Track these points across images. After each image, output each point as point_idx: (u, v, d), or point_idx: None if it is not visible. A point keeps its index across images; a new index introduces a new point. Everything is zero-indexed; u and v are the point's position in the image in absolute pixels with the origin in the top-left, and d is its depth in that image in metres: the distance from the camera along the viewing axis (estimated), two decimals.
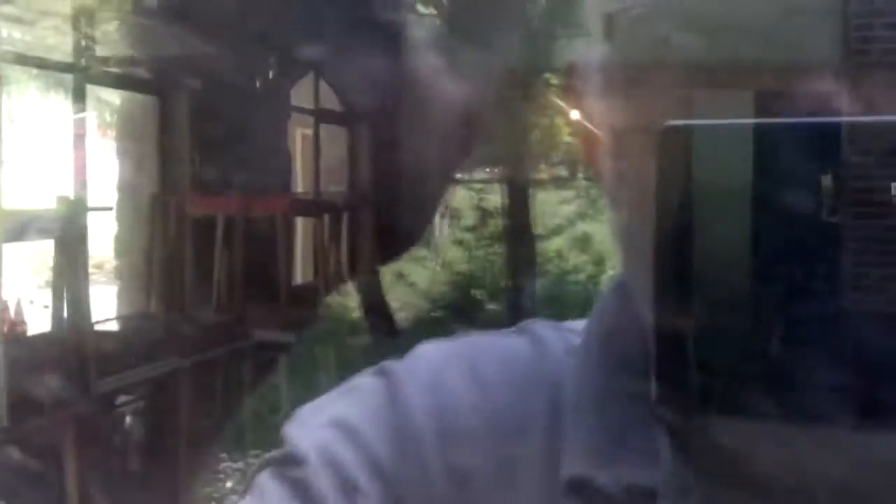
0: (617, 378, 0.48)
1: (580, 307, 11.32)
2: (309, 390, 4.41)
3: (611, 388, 0.48)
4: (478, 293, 12.18)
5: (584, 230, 12.53)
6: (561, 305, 11.92)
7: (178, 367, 5.59)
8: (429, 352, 0.56)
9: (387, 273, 10.54)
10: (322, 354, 7.32)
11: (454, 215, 12.05)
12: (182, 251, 5.70)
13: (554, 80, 10.51)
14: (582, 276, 11.90)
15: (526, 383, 0.52)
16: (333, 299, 10.66)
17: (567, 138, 13.39)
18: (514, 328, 0.57)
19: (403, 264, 11.63)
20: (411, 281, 11.41)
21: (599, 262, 11.81)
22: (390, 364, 0.55)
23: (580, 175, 15.05)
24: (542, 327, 0.56)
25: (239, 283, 6.33)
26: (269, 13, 6.93)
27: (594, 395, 0.49)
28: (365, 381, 0.55)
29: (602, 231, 12.17)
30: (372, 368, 0.56)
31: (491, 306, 12.18)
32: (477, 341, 0.58)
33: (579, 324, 0.55)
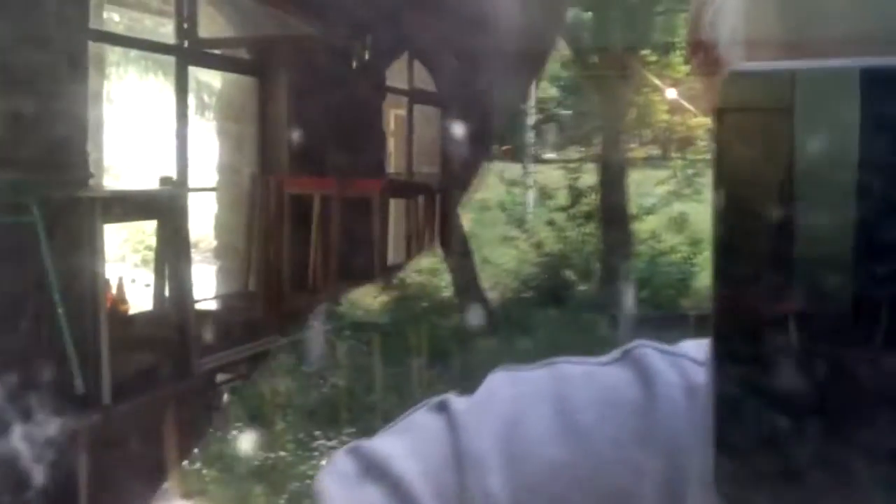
0: None
1: (676, 289, 11.13)
2: (401, 370, 4.38)
3: None
4: (570, 274, 12.04)
5: (680, 210, 12.29)
6: (656, 287, 11.73)
7: (276, 346, 5.64)
8: (505, 385, 0.44)
9: (478, 253, 10.52)
10: (414, 334, 7.33)
11: (546, 194, 11.94)
12: (280, 231, 5.73)
13: (651, 58, 10.31)
14: (677, 258, 11.66)
15: (634, 438, 0.40)
16: (426, 279, 10.69)
17: (664, 116, 13.16)
18: (616, 355, 0.44)
19: (495, 245, 11.59)
20: (501, 262, 11.36)
21: (695, 244, 11.55)
22: (457, 401, 0.43)
23: (674, 154, 14.79)
24: (652, 356, 0.43)
25: (334, 262, 6.36)
26: None
27: None
28: (425, 423, 0.43)
29: (698, 211, 11.91)
30: (436, 401, 0.44)
31: (582, 287, 12.05)
32: (568, 373, 0.44)
33: (699, 348, 0.43)
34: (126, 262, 10.77)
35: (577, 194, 11.68)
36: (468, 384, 0.47)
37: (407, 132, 9.55)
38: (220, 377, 5.64)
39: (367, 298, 8.97)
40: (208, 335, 5.29)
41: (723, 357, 0.30)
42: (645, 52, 10.12)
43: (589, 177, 11.61)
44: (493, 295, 10.59)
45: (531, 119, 13.67)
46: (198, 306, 5.65)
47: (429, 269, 10.33)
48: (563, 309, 10.89)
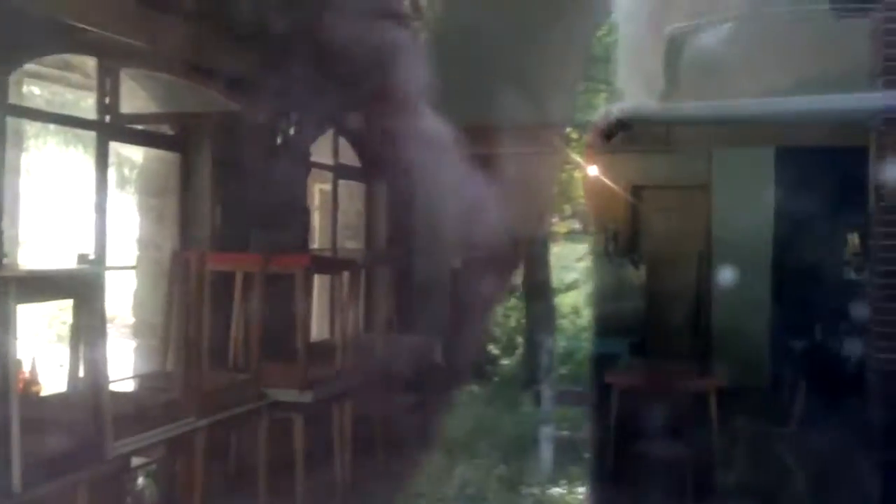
0: None
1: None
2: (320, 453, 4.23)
3: None
4: (493, 348, 12.06)
5: None
6: (578, 362, 11.80)
7: (194, 428, 5.47)
8: None
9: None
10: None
11: None
12: (200, 309, 5.61)
13: (573, 135, 10.54)
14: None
15: None
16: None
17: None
18: None
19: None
20: None
21: None
22: None
23: (593, 229, 15.05)
24: None
25: (256, 341, 6.24)
26: (291, 71, 6.93)
27: None
28: None
29: None
30: None
31: (505, 361, 12.07)
32: None
33: None
34: (41, 338, 10.44)
35: None
36: None
37: (332, 207, 9.53)
38: (135, 461, 5.44)
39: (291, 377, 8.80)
40: (124, 417, 5.12)
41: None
42: (567, 129, 10.34)
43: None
44: None
45: None
46: (113, 387, 5.48)
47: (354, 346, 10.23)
48: (485, 384, 10.87)
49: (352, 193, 10.14)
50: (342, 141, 9.52)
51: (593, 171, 10.49)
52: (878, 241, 7.00)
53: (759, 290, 10.06)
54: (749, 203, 10.13)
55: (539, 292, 11.18)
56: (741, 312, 9.98)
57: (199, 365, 5.52)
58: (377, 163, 9.62)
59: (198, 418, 5.45)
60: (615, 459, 6.72)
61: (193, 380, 5.46)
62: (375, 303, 8.82)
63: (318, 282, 8.57)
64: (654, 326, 10.10)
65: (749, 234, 10.05)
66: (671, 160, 11.45)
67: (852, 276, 7.45)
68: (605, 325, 10.22)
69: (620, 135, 8.48)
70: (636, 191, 11.88)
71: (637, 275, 10.75)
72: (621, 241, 11.34)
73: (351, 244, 10.06)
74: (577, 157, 10.36)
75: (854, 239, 7.30)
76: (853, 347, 9.37)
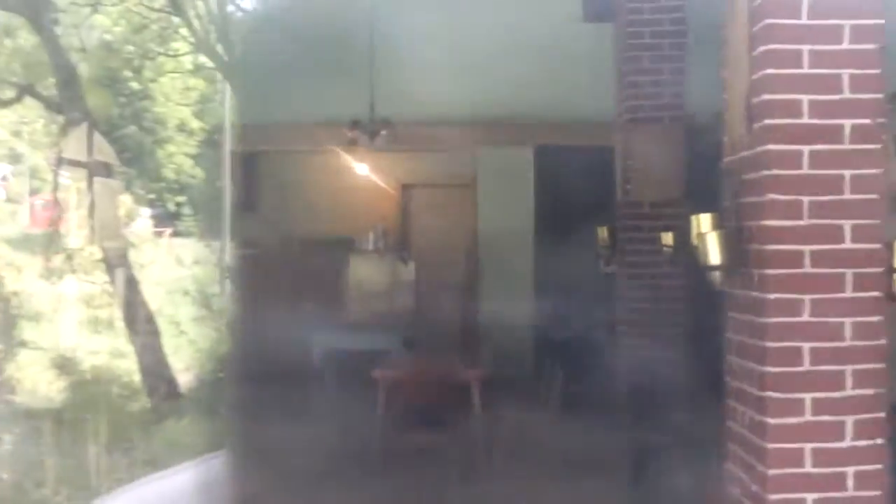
0: None
1: None
2: (76, 460, 4.06)
3: None
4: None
5: None
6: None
7: None
8: None
9: (167, 333, 10.10)
10: (93, 420, 6.88)
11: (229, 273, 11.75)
12: None
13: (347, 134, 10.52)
14: None
15: None
16: (109, 361, 10.10)
17: None
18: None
19: (185, 324, 11.20)
20: (192, 339, 11.00)
21: None
22: None
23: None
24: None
25: None
26: None
27: None
28: None
29: None
30: None
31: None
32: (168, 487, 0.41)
33: None
34: None
35: None
36: (151, 470, 0.42)
37: (87, 206, 9.07)
38: None
39: (41, 384, 8.32)
40: None
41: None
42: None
43: None
44: (187, 376, 10.20)
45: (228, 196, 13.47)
46: None
47: (113, 351, 9.79)
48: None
49: (109, 191, 9.69)
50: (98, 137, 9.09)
51: (362, 169, 10.54)
52: (623, 235, 7.42)
53: (521, 284, 10.45)
54: (511, 201, 10.51)
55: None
56: (506, 306, 10.33)
57: None
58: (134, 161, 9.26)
59: None
60: (382, 451, 6.79)
61: None
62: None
63: None
64: (423, 321, 10.27)
65: (512, 231, 10.42)
66: (438, 159, 11.70)
67: (605, 269, 7.83)
68: (376, 322, 10.29)
69: (385, 133, 8.56)
70: (405, 189, 12.05)
71: (406, 271, 10.90)
72: (390, 238, 11.48)
73: (108, 244, 9.61)
74: (347, 156, 10.36)
75: (603, 232, 7.69)
76: (607, 338, 9.91)
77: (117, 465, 6.12)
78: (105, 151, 9.06)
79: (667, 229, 6.89)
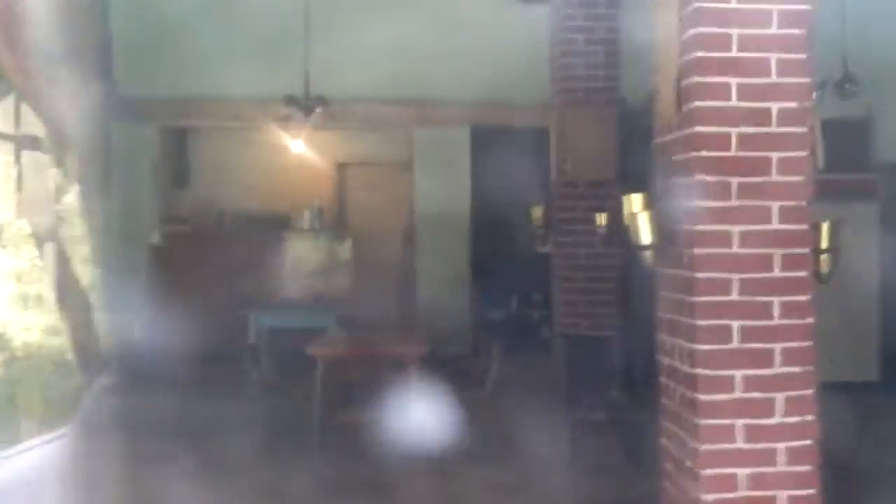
0: None
1: None
2: (7, 438, 3.98)
3: None
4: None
5: None
6: None
7: None
8: None
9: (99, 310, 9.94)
10: (24, 398, 6.77)
11: None
12: None
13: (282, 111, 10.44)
14: None
15: None
16: (43, 338, 9.91)
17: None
18: None
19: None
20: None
21: None
22: None
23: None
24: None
25: None
26: None
27: None
28: None
29: None
30: None
31: None
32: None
33: None
34: None
35: None
36: None
37: (15, 180, 8.85)
38: None
39: None
40: None
41: None
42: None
43: None
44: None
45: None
46: None
47: (45, 328, 9.60)
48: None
49: (38, 166, 9.48)
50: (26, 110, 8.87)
51: (298, 147, 10.47)
52: (557, 215, 7.51)
53: (458, 262, 10.52)
54: (448, 180, 10.54)
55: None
56: (443, 284, 10.39)
57: None
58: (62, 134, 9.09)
59: None
60: (320, 428, 6.80)
61: None
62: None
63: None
64: (359, 300, 10.28)
65: (448, 211, 10.46)
66: (375, 138, 11.68)
67: (541, 248, 7.92)
68: (312, 300, 10.26)
69: (319, 111, 8.52)
70: (341, 167, 12.00)
71: (343, 249, 10.88)
72: (326, 217, 11.44)
73: (37, 220, 9.41)
74: (283, 134, 10.28)
75: (538, 212, 7.76)
76: (542, 315, 10.03)
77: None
78: (34, 125, 8.85)
79: (601, 209, 7.00)
